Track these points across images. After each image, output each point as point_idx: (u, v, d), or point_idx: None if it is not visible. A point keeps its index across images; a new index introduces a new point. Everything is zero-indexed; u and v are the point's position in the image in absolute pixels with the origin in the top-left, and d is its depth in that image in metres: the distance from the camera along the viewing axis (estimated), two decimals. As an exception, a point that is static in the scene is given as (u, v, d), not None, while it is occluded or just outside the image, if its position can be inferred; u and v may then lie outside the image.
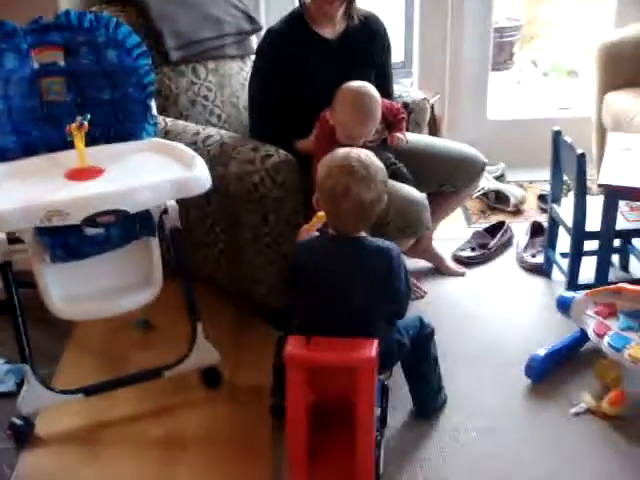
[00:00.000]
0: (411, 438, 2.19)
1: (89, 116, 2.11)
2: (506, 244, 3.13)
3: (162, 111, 2.79)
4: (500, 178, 3.61)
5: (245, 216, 2.49)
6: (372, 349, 1.85)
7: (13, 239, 2.17)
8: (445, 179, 2.72)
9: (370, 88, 2.40)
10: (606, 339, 2.21)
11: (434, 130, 3.40)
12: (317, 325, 1.92)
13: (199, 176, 2.09)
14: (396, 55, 3.93)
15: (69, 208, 1.92)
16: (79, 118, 2.09)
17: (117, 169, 2.13)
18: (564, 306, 2.40)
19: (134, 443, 2.22)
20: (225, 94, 2.96)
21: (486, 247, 3.06)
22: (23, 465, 2.15)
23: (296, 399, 1.89)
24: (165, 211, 2.30)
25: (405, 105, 2.87)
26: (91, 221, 1.96)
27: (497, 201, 3.46)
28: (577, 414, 2.25)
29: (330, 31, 2.60)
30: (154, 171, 2.12)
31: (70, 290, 2.21)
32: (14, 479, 2.10)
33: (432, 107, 3.36)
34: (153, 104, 2.36)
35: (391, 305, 1.99)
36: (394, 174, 2.53)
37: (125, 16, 2.80)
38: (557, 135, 2.71)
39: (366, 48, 2.63)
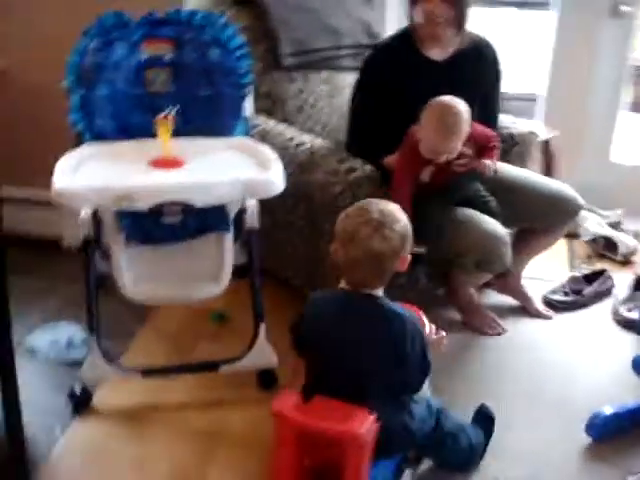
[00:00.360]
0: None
1: (177, 108, 2.19)
2: (603, 294, 2.97)
3: (268, 113, 2.86)
4: (615, 225, 3.43)
5: (326, 225, 2.50)
6: (364, 425, 1.70)
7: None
8: (537, 217, 2.63)
9: (459, 103, 2.35)
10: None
11: (548, 166, 3.28)
12: (322, 384, 1.82)
13: (271, 180, 2.12)
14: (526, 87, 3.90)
15: (138, 195, 2.01)
16: (167, 110, 2.17)
17: (197, 163, 2.20)
18: (639, 367, 2.25)
19: (178, 429, 2.27)
20: (334, 104, 2.99)
21: (580, 293, 2.92)
22: (73, 431, 2.25)
23: (284, 458, 1.81)
24: (244, 210, 2.35)
25: (510, 137, 2.80)
26: (158, 210, 2.03)
27: (606, 248, 3.29)
28: (635, 484, 2.10)
29: (438, 53, 2.57)
30: (230, 169, 2.18)
31: (142, 273, 2.30)
32: (62, 442, 2.21)
33: (548, 143, 3.26)
34: (248, 104, 2.42)
35: (402, 377, 1.82)
36: (482, 207, 2.47)
37: (246, 18, 2.89)
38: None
39: (473, 73, 2.58)
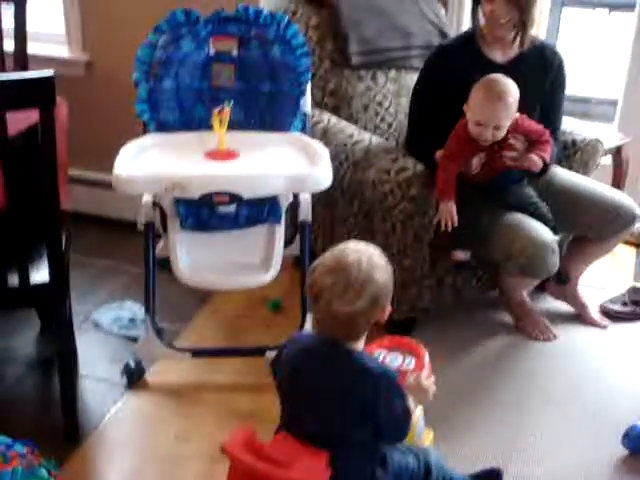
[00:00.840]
0: None
1: (232, 103, 2.29)
2: (665, 307, 2.91)
3: (334, 110, 2.93)
4: (689, 237, 3.34)
5: (377, 222, 2.56)
6: (308, 473, 1.61)
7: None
8: (591, 226, 2.60)
9: (507, 78, 2.39)
10: None
11: (617, 175, 3.22)
12: (293, 423, 1.73)
13: (317, 175, 2.19)
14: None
15: (190, 183, 2.11)
16: (224, 104, 2.28)
17: (250, 156, 2.29)
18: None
19: (222, 409, 2.38)
20: (401, 103, 3.03)
21: (639, 305, 2.86)
22: (125, 403, 2.40)
23: None
24: (298, 203, 2.45)
25: (573, 143, 2.77)
26: (208, 199, 2.13)
27: (676, 260, 3.22)
28: (663, 498, 2.08)
29: (500, 54, 2.58)
30: (280, 163, 2.26)
31: (196, 258, 2.41)
32: (113, 412, 2.36)
33: (620, 150, 3.20)
34: (305, 101, 2.50)
35: (373, 431, 1.67)
36: (532, 212, 2.48)
37: (318, 16, 2.96)
38: None
39: (535, 78, 2.58)
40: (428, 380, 1.81)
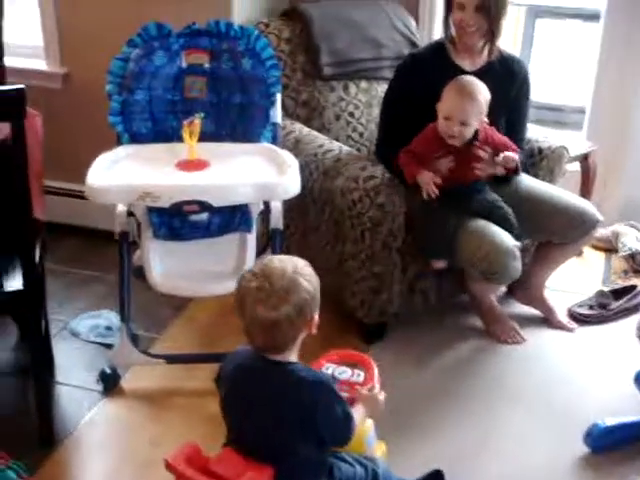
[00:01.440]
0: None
1: (202, 115, 2.35)
2: (631, 310, 2.97)
3: (307, 121, 3.00)
4: (657, 242, 3.41)
5: (347, 230, 2.62)
6: None
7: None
8: (554, 231, 2.67)
9: (481, 82, 2.48)
10: (668, 425, 2.09)
11: (585, 181, 3.29)
12: (237, 438, 1.75)
13: (285, 183, 2.25)
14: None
15: (160, 193, 2.17)
16: (193, 116, 2.34)
17: (220, 166, 2.35)
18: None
19: (193, 414, 2.43)
20: (372, 113, 3.10)
21: (605, 308, 2.93)
22: (100, 409, 2.45)
23: None
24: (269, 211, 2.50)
25: (539, 150, 2.85)
26: (178, 207, 2.19)
27: (643, 264, 3.29)
28: (623, 494, 2.15)
29: (469, 63, 2.65)
30: (249, 172, 2.32)
31: (169, 267, 2.45)
32: (88, 418, 2.40)
33: (587, 157, 3.27)
34: (275, 112, 2.56)
35: (315, 441, 1.69)
36: (497, 218, 2.54)
37: (290, 30, 3.04)
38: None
39: (502, 87, 2.64)
40: (379, 392, 1.86)
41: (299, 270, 1.66)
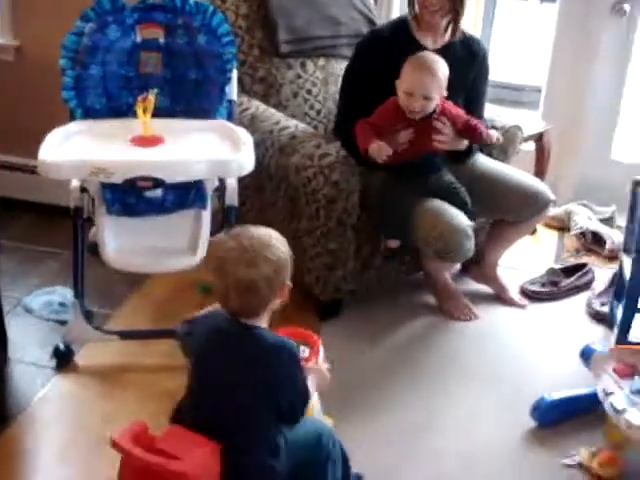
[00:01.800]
0: (389, 455, 2.22)
1: (156, 90, 2.34)
2: (582, 287, 3.04)
3: (264, 98, 2.99)
4: (609, 220, 3.48)
5: (302, 207, 2.63)
6: (194, 464, 1.61)
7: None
8: (508, 210, 2.71)
9: (440, 58, 2.50)
10: (611, 398, 2.14)
11: (540, 161, 3.34)
12: (189, 411, 1.77)
13: (239, 160, 2.25)
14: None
15: (113, 168, 2.16)
16: (147, 92, 2.32)
17: (174, 142, 2.34)
18: (586, 357, 2.34)
19: (149, 389, 2.43)
20: (329, 91, 3.10)
21: (556, 285, 2.99)
22: (53, 385, 2.44)
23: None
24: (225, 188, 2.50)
25: (493, 129, 2.87)
26: (132, 183, 2.18)
27: (594, 243, 3.35)
28: (567, 465, 2.20)
29: (431, 41, 2.66)
30: (204, 149, 2.31)
31: (123, 243, 2.45)
32: (41, 395, 2.40)
33: (541, 137, 3.31)
34: (230, 89, 2.55)
35: (278, 408, 1.72)
36: (451, 198, 2.57)
37: (247, 6, 3.01)
38: (636, 185, 2.61)
39: (462, 67, 2.66)
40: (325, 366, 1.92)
41: (274, 236, 1.74)
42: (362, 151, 2.51)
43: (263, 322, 1.76)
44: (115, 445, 1.66)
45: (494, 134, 2.63)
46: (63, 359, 2.51)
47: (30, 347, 2.60)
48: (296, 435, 1.77)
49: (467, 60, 2.70)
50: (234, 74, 2.56)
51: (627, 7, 3.35)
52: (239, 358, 1.71)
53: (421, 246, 2.59)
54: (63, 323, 2.67)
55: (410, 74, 2.49)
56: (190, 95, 2.57)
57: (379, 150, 2.46)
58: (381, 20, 3.26)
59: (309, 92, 3.07)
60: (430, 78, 2.47)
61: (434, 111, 2.54)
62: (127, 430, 1.69)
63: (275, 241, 1.72)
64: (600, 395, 2.19)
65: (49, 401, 2.38)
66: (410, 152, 2.54)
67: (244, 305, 1.70)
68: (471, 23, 5.38)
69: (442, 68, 2.50)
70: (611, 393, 2.16)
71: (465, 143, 2.63)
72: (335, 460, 1.85)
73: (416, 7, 2.64)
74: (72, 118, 2.50)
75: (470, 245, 2.49)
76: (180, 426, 1.74)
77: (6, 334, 2.59)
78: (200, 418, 1.72)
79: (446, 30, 2.66)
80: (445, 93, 2.53)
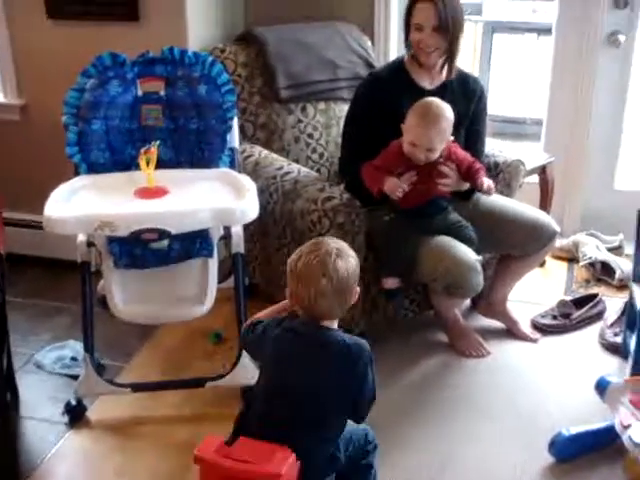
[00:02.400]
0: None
1: (158, 142, 2.36)
2: (593, 318, 3.01)
3: (266, 144, 3.02)
4: (617, 249, 3.46)
5: (309, 251, 2.63)
6: (284, 465, 1.73)
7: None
8: (514, 244, 2.71)
9: (442, 102, 2.49)
10: (629, 431, 2.11)
11: (544, 193, 3.34)
12: (262, 416, 1.86)
13: (243, 208, 2.26)
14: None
15: (118, 222, 2.17)
16: (150, 144, 2.34)
17: (180, 192, 2.35)
18: (601, 389, 2.31)
19: (160, 442, 2.42)
20: (331, 134, 3.13)
21: (568, 317, 2.97)
22: (66, 441, 2.43)
23: None
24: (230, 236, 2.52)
25: (495, 165, 2.89)
26: (137, 236, 2.19)
27: (604, 273, 3.33)
28: (589, 502, 2.17)
29: (428, 82, 2.68)
30: (208, 198, 2.33)
31: (131, 294, 2.46)
32: (54, 451, 2.38)
33: (544, 170, 3.32)
34: (232, 137, 2.58)
35: (353, 405, 1.86)
36: (457, 234, 2.57)
37: (246, 54, 3.07)
38: (642, 216, 2.61)
39: (460, 105, 2.67)
40: None
41: (344, 244, 1.92)
42: (376, 192, 2.50)
43: (335, 324, 1.89)
44: (199, 460, 1.77)
45: (492, 188, 2.59)
46: (75, 414, 2.51)
47: (42, 403, 2.59)
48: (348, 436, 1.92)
49: (465, 98, 2.72)
50: (235, 122, 2.59)
51: (622, 38, 3.37)
52: (317, 358, 1.83)
53: (429, 283, 2.58)
54: (75, 378, 2.65)
55: (415, 127, 2.47)
56: (192, 145, 2.60)
57: (395, 186, 2.46)
58: (379, 62, 3.30)
59: (311, 136, 3.10)
60: (435, 132, 2.45)
61: (440, 155, 2.53)
62: (206, 444, 1.80)
63: (347, 248, 1.89)
64: (618, 428, 2.16)
65: (63, 457, 2.37)
66: (414, 194, 2.54)
67: (333, 305, 1.83)
68: (470, 58, 5.45)
69: (447, 116, 2.48)
70: (629, 426, 2.13)
71: (466, 185, 2.62)
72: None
73: (412, 48, 2.67)
74: (77, 173, 2.53)
75: (479, 279, 2.48)
76: (247, 437, 1.82)
77: (17, 391, 2.59)
78: (264, 423, 1.83)
79: (442, 70, 2.68)
80: (451, 138, 2.52)
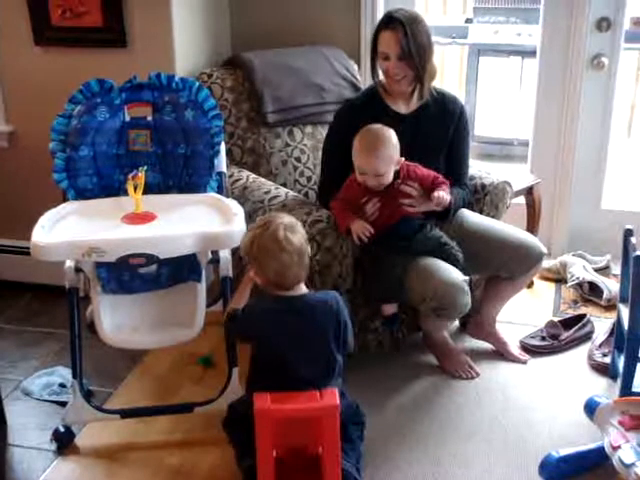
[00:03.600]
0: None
1: (145, 167, 2.37)
2: (582, 338, 3.02)
3: (254, 168, 3.03)
4: (605, 270, 3.48)
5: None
6: (335, 397, 2.03)
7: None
8: (501, 266, 2.71)
9: (382, 128, 2.52)
10: (619, 452, 2.12)
11: (531, 214, 3.36)
12: (278, 381, 2.10)
13: (229, 232, 2.27)
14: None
15: (106, 247, 2.17)
16: (137, 170, 2.35)
17: (168, 217, 2.36)
18: (590, 410, 2.32)
19: (150, 468, 2.40)
20: (318, 157, 3.12)
21: (557, 338, 2.98)
22: (54, 469, 2.41)
23: (266, 451, 2.00)
24: (217, 260, 2.52)
25: (482, 187, 2.90)
26: (125, 261, 2.19)
27: (591, 293, 3.34)
28: (580, 524, 2.16)
29: (404, 107, 2.70)
30: (195, 223, 2.33)
31: (120, 320, 2.46)
32: (43, 478, 2.36)
33: (531, 191, 3.34)
34: (219, 161, 2.59)
35: (343, 341, 2.20)
36: (444, 255, 2.58)
37: (233, 79, 3.09)
38: (628, 234, 2.62)
39: (439, 126, 2.70)
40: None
41: (290, 219, 2.19)
42: (344, 231, 2.52)
43: (304, 287, 2.19)
44: (260, 412, 2.00)
45: (441, 201, 2.56)
46: (63, 441, 2.49)
47: (30, 431, 2.57)
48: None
49: (443, 119, 2.72)
50: (222, 147, 2.60)
51: (605, 60, 3.41)
52: (299, 323, 2.12)
53: (417, 305, 2.58)
54: (63, 404, 2.64)
55: (358, 155, 2.51)
56: (180, 170, 2.61)
57: (361, 228, 2.49)
58: (365, 85, 3.32)
59: (298, 160, 3.11)
60: (376, 159, 2.47)
61: (397, 177, 2.55)
62: (259, 401, 2.02)
63: (292, 220, 2.18)
64: (607, 449, 2.17)
65: (50, 486, 2.35)
66: (383, 220, 2.56)
67: (299, 272, 2.13)
68: (456, 81, 5.51)
69: (386, 141, 2.49)
70: (618, 447, 2.13)
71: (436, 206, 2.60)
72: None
73: (381, 76, 2.68)
74: (65, 199, 2.53)
75: (466, 300, 2.49)
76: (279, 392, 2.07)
77: (5, 419, 2.57)
78: (290, 375, 2.11)
79: (413, 94, 2.69)
80: (400, 158, 2.52)
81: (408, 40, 2.52)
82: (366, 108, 2.67)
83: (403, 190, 2.54)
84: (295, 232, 2.12)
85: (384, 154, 2.48)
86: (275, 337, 2.13)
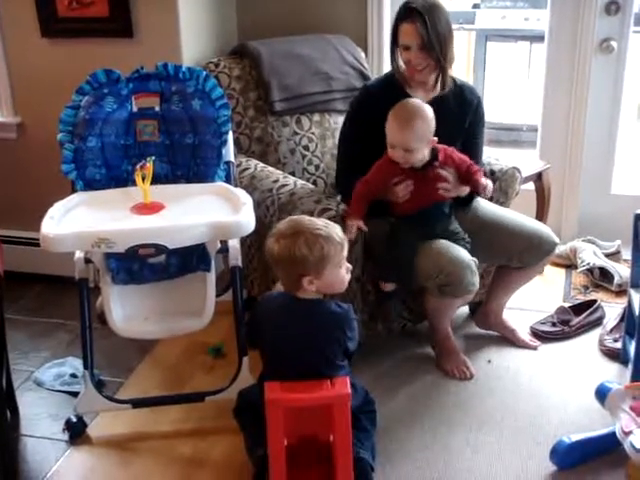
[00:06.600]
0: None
1: (153, 157, 2.36)
2: (593, 324, 3.01)
3: (262, 157, 3.02)
4: (615, 255, 3.47)
5: (306, 263, 2.63)
6: (346, 386, 2.05)
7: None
8: (513, 255, 2.69)
9: (425, 105, 2.49)
10: (630, 437, 2.11)
11: (541, 200, 3.35)
12: (284, 373, 2.10)
13: (238, 222, 2.26)
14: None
15: (115, 238, 2.17)
16: (144, 160, 2.35)
17: (176, 207, 2.36)
18: (601, 395, 2.30)
19: (163, 457, 2.42)
20: (327, 145, 3.13)
21: (567, 324, 2.97)
22: (67, 459, 2.42)
23: (278, 440, 2.01)
24: (226, 249, 2.52)
25: (492, 173, 2.89)
26: (134, 252, 2.19)
27: (602, 278, 3.33)
28: (591, 509, 2.16)
29: (422, 95, 2.66)
30: (204, 213, 2.33)
31: (130, 310, 2.46)
32: (56, 468, 2.38)
33: (540, 177, 3.33)
34: (227, 151, 2.58)
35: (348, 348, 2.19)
36: (454, 242, 2.57)
37: (240, 68, 3.08)
38: (638, 219, 2.61)
39: (456, 116, 2.68)
40: None
41: (317, 223, 2.18)
42: (345, 213, 2.53)
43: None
44: (272, 401, 2.01)
45: (490, 188, 2.60)
46: (76, 431, 2.50)
47: (42, 421, 2.59)
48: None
49: (461, 108, 2.71)
50: (230, 136, 2.60)
51: (614, 44, 3.38)
52: (306, 325, 2.14)
53: (424, 283, 2.55)
54: (75, 395, 2.65)
55: (390, 128, 2.48)
56: (188, 159, 2.60)
57: (350, 227, 2.47)
58: (373, 74, 3.31)
59: (306, 148, 3.11)
60: (408, 130, 2.44)
61: (436, 159, 2.53)
62: (271, 390, 2.04)
63: (319, 226, 2.16)
64: (619, 435, 2.16)
65: (64, 475, 2.36)
66: (415, 203, 2.54)
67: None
68: (464, 66, 5.47)
69: (422, 115, 2.46)
70: (630, 432, 2.12)
71: (467, 189, 2.62)
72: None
73: (402, 65, 2.67)
74: (74, 190, 2.53)
75: (473, 279, 2.47)
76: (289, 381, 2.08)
77: (17, 409, 2.58)
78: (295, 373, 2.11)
79: (436, 84, 2.68)
80: (435, 139, 2.50)
81: (428, 30, 2.50)
82: (384, 95, 2.64)
83: (440, 173, 2.52)
84: (318, 242, 2.11)
85: (419, 128, 2.45)
86: (280, 334, 2.17)
